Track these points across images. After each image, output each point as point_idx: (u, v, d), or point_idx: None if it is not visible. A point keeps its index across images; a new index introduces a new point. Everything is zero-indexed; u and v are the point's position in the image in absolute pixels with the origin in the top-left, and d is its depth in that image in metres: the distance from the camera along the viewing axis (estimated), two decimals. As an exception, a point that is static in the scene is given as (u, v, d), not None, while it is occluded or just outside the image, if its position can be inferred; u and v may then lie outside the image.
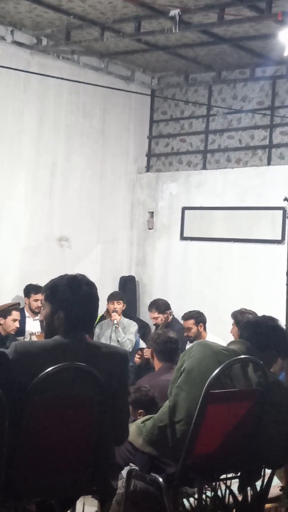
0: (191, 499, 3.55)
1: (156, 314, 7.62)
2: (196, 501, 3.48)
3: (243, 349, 3.60)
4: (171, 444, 3.48)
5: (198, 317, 7.02)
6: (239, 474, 3.61)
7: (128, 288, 9.03)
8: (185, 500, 3.57)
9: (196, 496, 3.56)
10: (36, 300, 7.33)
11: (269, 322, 3.81)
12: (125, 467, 3.86)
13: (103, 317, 7.98)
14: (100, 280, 8.57)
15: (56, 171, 8.39)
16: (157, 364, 4.95)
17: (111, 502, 3.74)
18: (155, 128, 9.55)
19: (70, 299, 3.03)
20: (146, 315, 8.40)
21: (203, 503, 3.43)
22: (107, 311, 7.89)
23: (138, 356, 6.51)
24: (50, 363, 2.84)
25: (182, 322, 7.17)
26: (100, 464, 3.03)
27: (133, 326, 7.71)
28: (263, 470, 3.58)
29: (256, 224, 8.33)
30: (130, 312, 8.50)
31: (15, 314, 6.77)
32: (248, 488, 3.51)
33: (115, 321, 7.50)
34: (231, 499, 3.45)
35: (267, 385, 3.49)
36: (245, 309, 6.15)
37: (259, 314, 4.82)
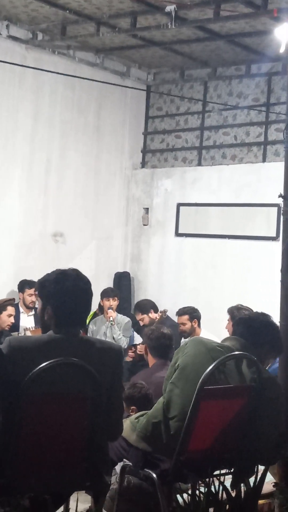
0: (185, 495, 3.56)
1: (140, 316, 7.57)
2: (189, 497, 3.48)
3: (237, 346, 3.60)
4: (165, 440, 3.48)
5: (193, 313, 7.02)
6: (232, 470, 3.62)
7: (123, 285, 9.03)
8: (178, 496, 3.57)
9: (189, 492, 3.57)
10: (30, 295, 7.33)
11: (262, 318, 3.81)
12: (119, 463, 3.86)
13: (95, 314, 7.96)
14: (94, 276, 8.56)
15: (51, 167, 8.37)
16: (151, 360, 4.95)
17: (105, 498, 3.75)
18: (151, 124, 9.54)
19: (56, 293, 3.02)
20: (141, 311, 8.39)
21: (197, 499, 3.43)
22: (99, 307, 7.86)
23: (131, 352, 6.51)
24: (44, 358, 2.84)
25: (176, 317, 7.16)
26: (93, 459, 3.03)
27: (127, 322, 7.70)
28: (256, 467, 3.59)
29: (251, 221, 8.34)
30: (125, 309, 8.49)
31: (10, 310, 6.77)
32: (242, 484, 3.52)
33: (111, 318, 7.48)
34: (224, 495, 3.46)
35: (261, 381, 3.50)
36: (242, 305, 6.15)
37: (254, 310, 4.83)
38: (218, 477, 3.54)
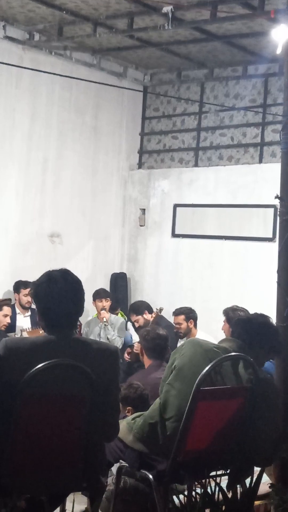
0: (181, 496, 3.55)
1: (134, 317, 7.59)
2: (186, 498, 3.48)
3: (234, 347, 3.60)
4: (162, 441, 3.48)
5: (189, 313, 7.02)
6: (228, 471, 3.62)
7: (119, 285, 9.02)
8: (175, 497, 3.57)
9: (186, 493, 3.57)
10: (26, 295, 7.31)
11: (260, 319, 3.82)
12: (115, 464, 3.86)
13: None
14: (91, 276, 8.57)
15: (48, 167, 8.36)
16: (146, 361, 4.94)
17: (101, 499, 3.75)
18: (147, 125, 9.54)
19: (44, 296, 3.03)
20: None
21: (193, 500, 3.43)
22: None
23: (128, 354, 6.50)
24: (40, 359, 2.84)
25: (172, 317, 7.15)
26: (90, 460, 3.03)
27: (121, 322, 7.69)
28: (252, 467, 3.59)
29: (247, 222, 8.34)
30: (122, 309, 8.48)
31: (7, 310, 6.76)
32: (238, 485, 3.52)
33: (105, 319, 7.48)
34: (220, 496, 3.46)
35: (257, 383, 3.50)
36: (237, 306, 6.15)
37: (250, 311, 4.83)
38: (215, 478, 3.54)
